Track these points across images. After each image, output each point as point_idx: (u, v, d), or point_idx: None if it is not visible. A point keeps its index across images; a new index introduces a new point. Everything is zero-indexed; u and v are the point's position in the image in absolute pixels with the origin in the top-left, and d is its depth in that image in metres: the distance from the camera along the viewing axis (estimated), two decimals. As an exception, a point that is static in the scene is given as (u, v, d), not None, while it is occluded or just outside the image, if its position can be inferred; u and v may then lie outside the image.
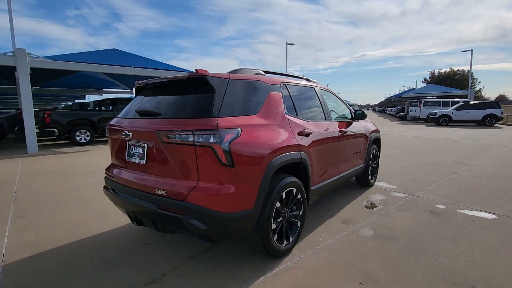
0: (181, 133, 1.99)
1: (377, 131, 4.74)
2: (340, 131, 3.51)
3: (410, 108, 23.26)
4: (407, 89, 50.33)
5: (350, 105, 4.45)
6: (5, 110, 12.15)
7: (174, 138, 2.01)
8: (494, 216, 3.36)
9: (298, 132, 2.69)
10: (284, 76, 3.18)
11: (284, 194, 2.42)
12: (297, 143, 2.58)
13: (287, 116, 2.67)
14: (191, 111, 2.13)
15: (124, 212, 2.51)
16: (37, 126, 9.99)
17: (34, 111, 10.10)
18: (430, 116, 18.93)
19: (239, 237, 2.23)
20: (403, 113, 25.78)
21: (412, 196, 4.18)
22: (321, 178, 3.09)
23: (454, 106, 18.55)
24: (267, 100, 2.52)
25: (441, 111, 18.66)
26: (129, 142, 2.41)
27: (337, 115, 3.85)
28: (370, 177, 4.59)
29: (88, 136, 10.62)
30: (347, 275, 2.23)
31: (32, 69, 9.37)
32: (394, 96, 50.60)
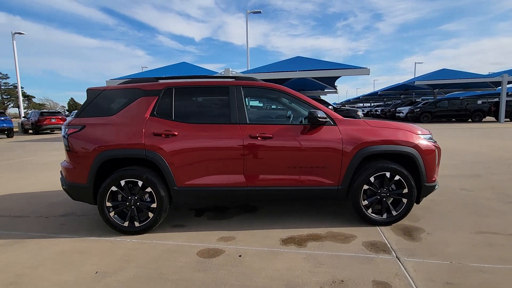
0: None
1: (392, 142, 2.94)
2: (252, 137, 2.95)
3: None
4: None
5: None
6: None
7: None
8: None
9: (155, 133, 2.92)
10: (186, 79, 3.25)
11: (123, 183, 2.90)
12: (141, 142, 2.88)
13: (150, 118, 2.98)
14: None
15: None
16: None
17: None
18: None
19: (88, 202, 3.03)
20: None
21: (410, 254, 2.40)
22: (200, 182, 2.95)
23: None
24: (131, 104, 3.04)
25: None
26: None
27: (273, 118, 3.11)
28: (367, 210, 3.04)
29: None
30: (81, 266, 2.42)
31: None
32: None
